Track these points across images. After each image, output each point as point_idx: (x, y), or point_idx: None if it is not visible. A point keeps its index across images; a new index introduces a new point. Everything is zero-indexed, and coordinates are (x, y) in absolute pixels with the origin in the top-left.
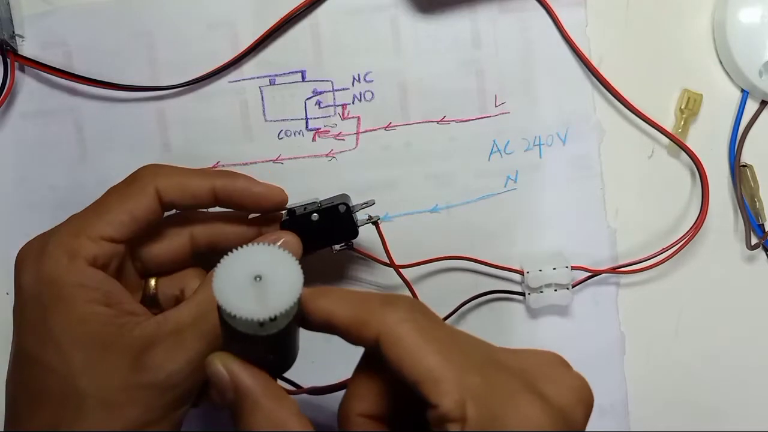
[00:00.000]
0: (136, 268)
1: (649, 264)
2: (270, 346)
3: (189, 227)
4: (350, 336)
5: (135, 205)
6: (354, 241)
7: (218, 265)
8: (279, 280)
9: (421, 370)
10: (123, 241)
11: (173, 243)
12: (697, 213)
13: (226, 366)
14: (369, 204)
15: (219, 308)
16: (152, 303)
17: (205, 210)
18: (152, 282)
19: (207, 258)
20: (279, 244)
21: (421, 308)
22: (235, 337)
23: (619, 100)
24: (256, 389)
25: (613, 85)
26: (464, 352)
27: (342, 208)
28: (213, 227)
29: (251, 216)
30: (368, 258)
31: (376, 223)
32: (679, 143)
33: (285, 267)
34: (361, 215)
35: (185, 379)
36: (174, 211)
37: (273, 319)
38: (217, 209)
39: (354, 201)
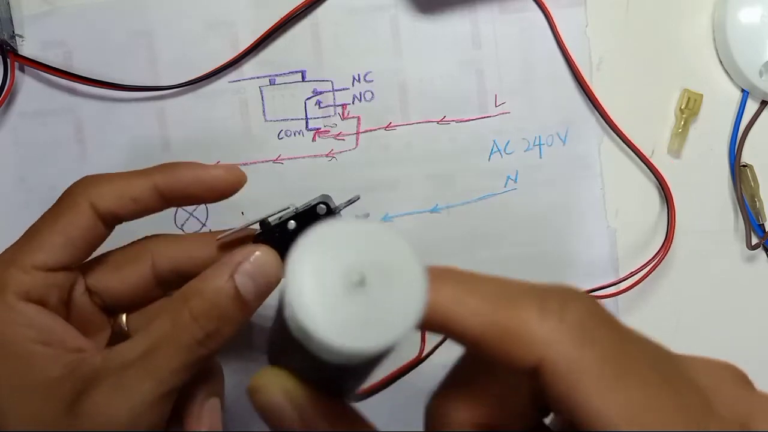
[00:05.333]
0: (97, 304)
1: (627, 285)
2: (361, 373)
3: (149, 254)
4: (486, 350)
5: (67, 224)
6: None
7: (294, 253)
8: (391, 284)
9: (606, 420)
10: (61, 268)
11: (133, 273)
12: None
13: (291, 397)
14: (353, 200)
15: (290, 323)
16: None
17: (169, 234)
18: (123, 318)
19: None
20: (252, 259)
21: (601, 318)
22: (307, 360)
23: (606, 121)
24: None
25: (609, 93)
26: (658, 388)
27: (322, 210)
28: (176, 252)
29: (219, 237)
30: None
31: None
32: (650, 166)
33: (396, 258)
34: (347, 215)
35: (134, 424)
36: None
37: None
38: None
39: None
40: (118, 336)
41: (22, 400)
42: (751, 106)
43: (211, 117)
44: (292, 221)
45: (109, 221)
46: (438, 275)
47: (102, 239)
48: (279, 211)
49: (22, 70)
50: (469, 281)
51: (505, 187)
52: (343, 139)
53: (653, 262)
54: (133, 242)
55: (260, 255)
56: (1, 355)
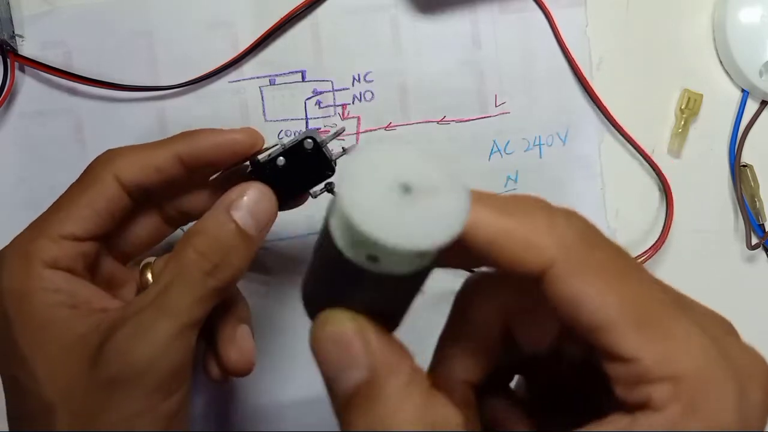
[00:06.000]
0: (118, 259)
1: None
2: (407, 292)
3: (155, 202)
4: (500, 257)
5: (94, 197)
6: (335, 181)
7: (346, 167)
8: (436, 192)
9: (610, 314)
10: (89, 238)
11: (144, 223)
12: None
13: (362, 333)
14: (339, 132)
15: (337, 241)
16: None
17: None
18: (148, 275)
19: None
20: (245, 197)
21: (598, 230)
22: (361, 282)
23: (608, 118)
24: (403, 374)
25: (609, 93)
26: (658, 289)
27: (308, 144)
28: (178, 195)
29: (211, 178)
30: None
31: None
32: (651, 163)
33: (439, 172)
34: (334, 148)
35: (154, 365)
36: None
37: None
38: None
39: None
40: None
41: (48, 355)
42: (751, 106)
43: (211, 117)
44: (281, 157)
45: (135, 192)
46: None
47: (127, 210)
48: (267, 149)
49: (22, 70)
50: (480, 196)
51: (505, 187)
52: (343, 139)
53: (643, 257)
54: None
55: (253, 190)
56: (29, 320)
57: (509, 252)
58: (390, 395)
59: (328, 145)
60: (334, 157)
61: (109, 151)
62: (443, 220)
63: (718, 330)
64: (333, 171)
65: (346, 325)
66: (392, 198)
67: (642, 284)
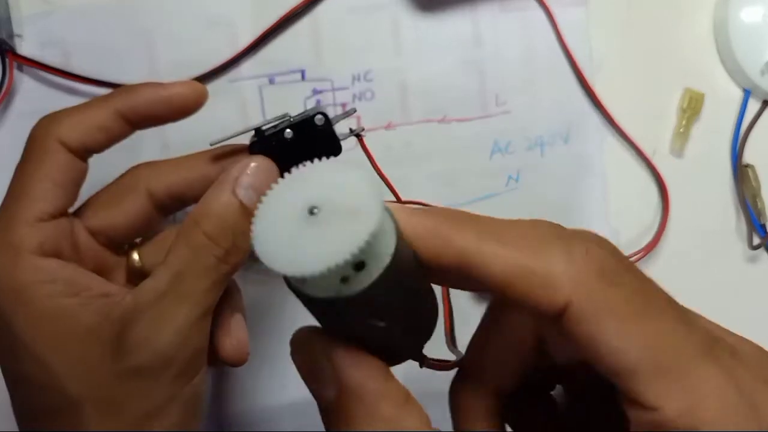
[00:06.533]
0: (103, 244)
1: None
2: (370, 312)
3: (142, 183)
4: (512, 294)
5: (48, 168)
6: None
7: (258, 206)
8: (343, 205)
9: (629, 359)
10: (61, 214)
11: (130, 204)
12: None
13: (327, 354)
14: (350, 113)
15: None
16: (143, 278)
17: (158, 160)
18: (135, 256)
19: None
20: (249, 171)
21: (622, 261)
22: (316, 307)
23: (606, 118)
24: (370, 389)
25: (611, 92)
26: (673, 324)
27: (320, 120)
28: (169, 176)
29: (214, 144)
30: None
31: (359, 136)
32: (648, 164)
33: (350, 186)
34: (341, 129)
35: (179, 351)
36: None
37: (359, 267)
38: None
39: None
40: (134, 272)
41: (62, 348)
42: (753, 106)
43: (210, 117)
44: (289, 130)
45: (83, 155)
46: (460, 221)
47: (84, 174)
48: (274, 120)
49: (20, 69)
50: (491, 225)
51: (506, 186)
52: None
53: (637, 256)
54: (124, 174)
55: (256, 165)
56: (31, 315)
57: (524, 291)
58: (359, 410)
59: (336, 123)
60: (340, 138)
61: (45, 117)
62: (346, 239)
63: (748, 372)
64: (340, 150)
65: (313, 346)
66: (296, 225)
67: (665, 324)
